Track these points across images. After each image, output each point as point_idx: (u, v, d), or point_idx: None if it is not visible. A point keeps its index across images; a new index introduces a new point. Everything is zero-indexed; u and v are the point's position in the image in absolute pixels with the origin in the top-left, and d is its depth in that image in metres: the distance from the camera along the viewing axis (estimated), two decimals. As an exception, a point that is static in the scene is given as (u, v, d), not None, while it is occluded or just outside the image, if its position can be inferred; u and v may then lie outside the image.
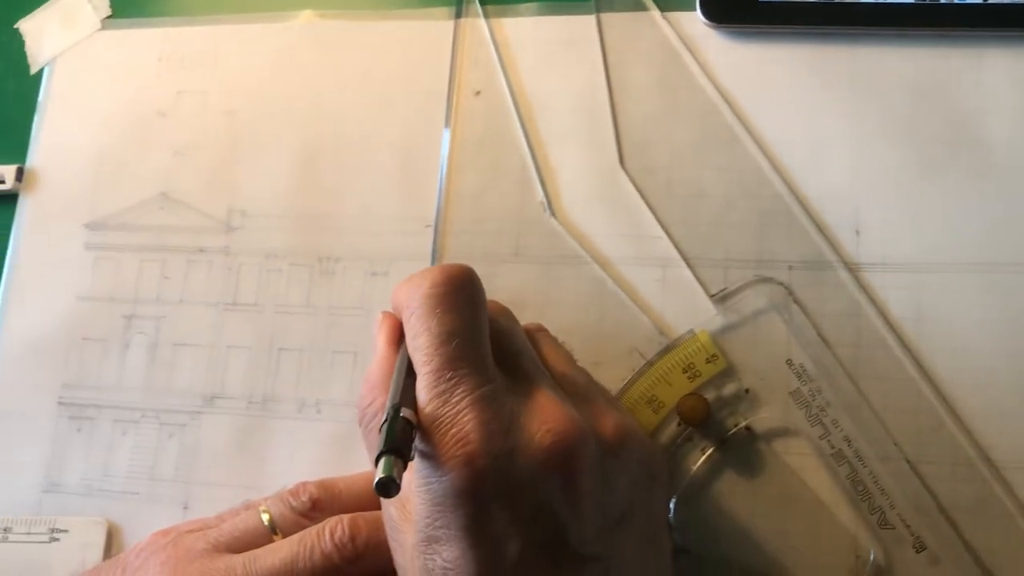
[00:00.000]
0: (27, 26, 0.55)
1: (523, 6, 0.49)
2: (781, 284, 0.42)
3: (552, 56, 0.48)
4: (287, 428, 0.46)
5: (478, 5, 0.49)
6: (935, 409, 0.40)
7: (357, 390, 0.41)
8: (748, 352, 0.42)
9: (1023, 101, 0.42)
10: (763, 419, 0.41)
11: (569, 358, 0.40)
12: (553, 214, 0.45)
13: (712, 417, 0.41)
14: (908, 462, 0.39)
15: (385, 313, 0.38)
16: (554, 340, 0.41)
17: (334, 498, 0.40)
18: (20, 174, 0.52)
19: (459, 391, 0.32)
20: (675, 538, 0.40)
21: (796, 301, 0.42)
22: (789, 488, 0.40)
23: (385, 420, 0.31)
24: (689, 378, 0.42)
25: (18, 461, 0.48)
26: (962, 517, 0.39)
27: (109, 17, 0.54)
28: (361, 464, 0.41)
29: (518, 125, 0.47)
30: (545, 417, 0.32)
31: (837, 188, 0.43)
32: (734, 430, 0.41)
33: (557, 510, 0.32)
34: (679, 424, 0.41)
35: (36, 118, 0.53)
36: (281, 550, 0.37)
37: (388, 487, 0.28)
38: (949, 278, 0.41)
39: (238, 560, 0.37)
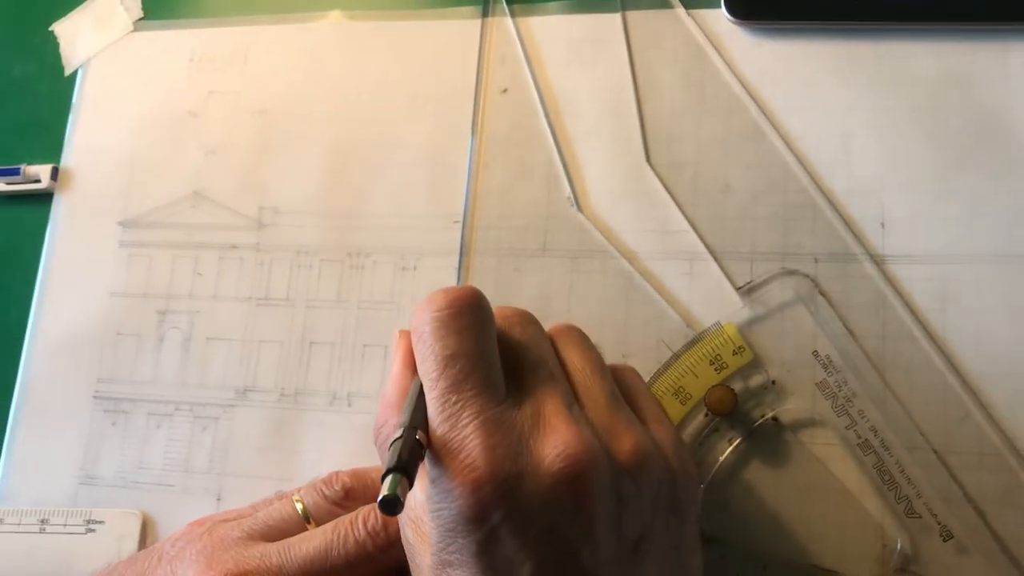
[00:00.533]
0: (61, 28, 0.56)
1: (549, 4, 0.49)
2: (807, 276, 0.43)
3: (578, 54, 0.48)
4: (319, 420, 0.46)
5: (504, 4, 0.50)
6: (961, 399, 0.40)
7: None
8: (775, 344, 0.42)
9: (1047, 94, 0.43)
10: (790, 410, 0.41)
11: (595, 363, 0.37)
12: (580, 209, 0.46)
13: (739, 408, 0.41)
14: (935, 452, 0.40)
15: (402, 332, 0.38)
16: (582, 342, 0.38)
17: (367, 487, 0.40)
18: (55, 174, 0.53)
19: (465, 415, 0.32)
20: (703, 527, 0.40)
21: (822, 293, 0.42)
22: (816, 478, 0.41)
23: (394, 439, 0.31)
24: (716, 370, 0.42)
25: (55, 454, 0.49)
26: (989, 506, 0.39)
27: (141, 19, 0.55)
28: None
29: (545, 122, 0.47)
30: (556, 439, 0.31)
31: (863, 181, 0.43)
32: (761, 421, 0.41)
33: (569, 534, 0.31)
34: (706, 415, 0.42)
35: (70, 119, 0.54)
36: (315, 538, 0.37)
37: (392, 505, 0.28)
38: (975, 269, 0.41)
39: (273, 548, 0.38)
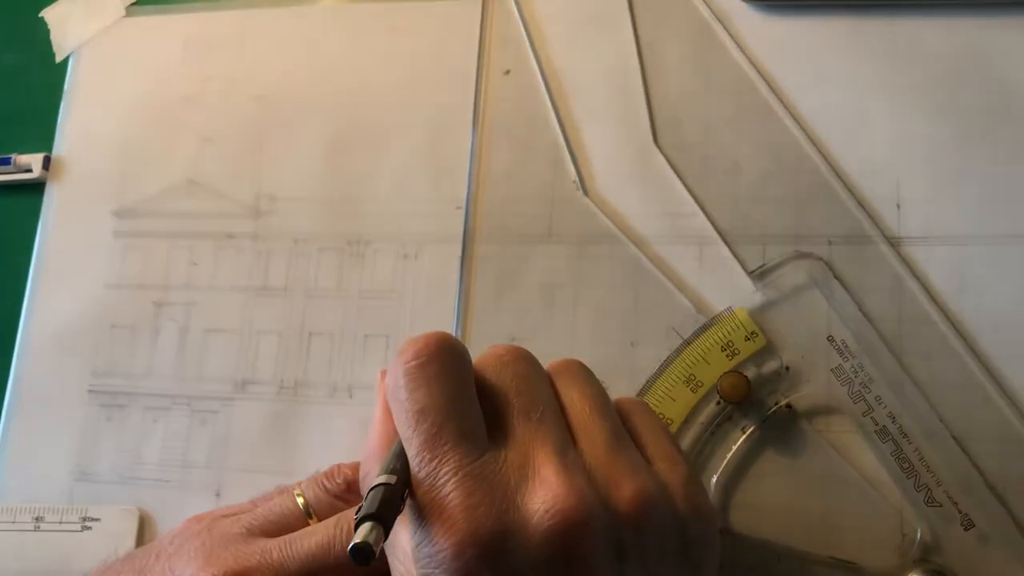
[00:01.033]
0: (52, 15, 0.55)
1: (552, -17, 0.48)
2: (821, 259, 0.42)
3: (582, 33, 0.47)
4: (319, 413, 0.45)
5: (506, -17, 0.49)
6: (981, 384, 0.39)
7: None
8: (788, 329, 0.41)
9: (1066, 70, 0.42)
10: (804, 397, 0.40)
11: (596, 400, 0.34)
12: (586, 193, 0.45)
13: (752, 395, 0.40)
14: (955, 438, 0.39)
15: (383, 373, 0.36)
16: (583, 377, 0.35)
17: (369, 480, 0.39)
18: (47, 163, 0.52)
19: (443, 472, 0.30)
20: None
21: (836, 276, 0.41)
22: (832, 466, 0.40)
23: (372, 486, 0.29)
24: (728, 356, 0.41)
25: (49, 450, 0.48)
26: (1011, 494, 0.38)
27: (134, 4, 0.54)
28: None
29: (549, 104, 0.46)
30: (546, 492, 0.29)
31: (877, 161, 0.42)
32: (775, 408, 0.40)
33: None
34: (719, 403, 0.41)
35: (62, 106, 0.53)
36: (317, 533, 0.37)
37: (364, 554, 0.26)
38: (993, 250, 0.40)
39: (274, 544, 0.37)
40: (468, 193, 0.46)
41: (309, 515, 0.39)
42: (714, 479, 0.40)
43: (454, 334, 0.44)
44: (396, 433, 0.32)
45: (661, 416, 0.41)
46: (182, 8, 0.53)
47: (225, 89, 0.51)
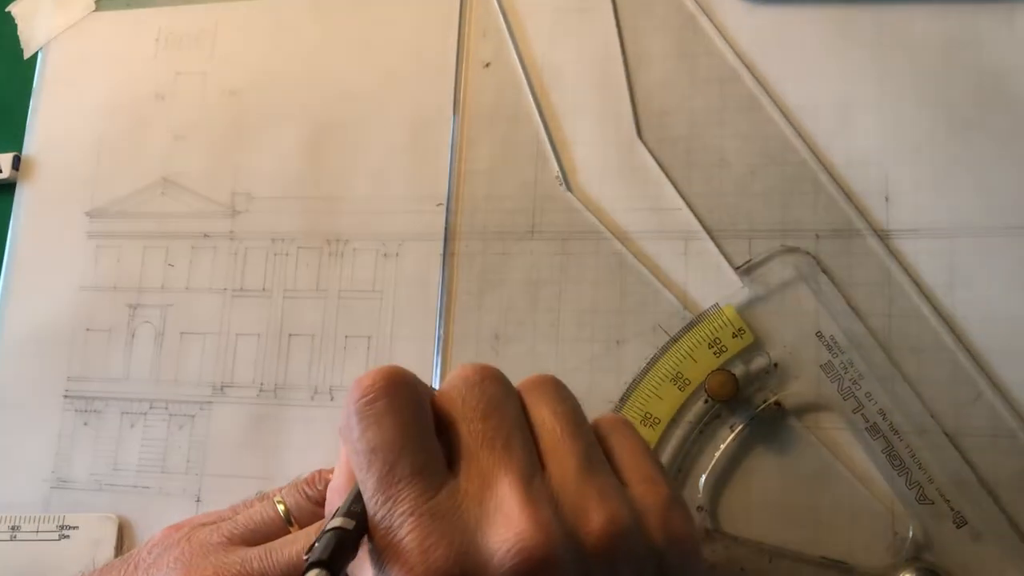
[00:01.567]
0: (19, 10, 0.54)
1: (532, -26, 0.47)
2: (808, 254, 0.41)
3: (564, 24, 0.46)
4: (300, 416, 0.45)
5: (485, -26, 0.48)
6: (973, 379, 0.38)
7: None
8: (776, 325, 0.41)
9: (1056, 57, 0.41)
10: (793, 394, 0.40)
11: (568, 419, 0.32)
12: (569, 188, 0.44)
13: (740, 393, 0.40)
14: (946, 434, 0.38)
15: None
16: (555, 394, 0.33)
17: (351, 486, 0.38)
18: (17, 162, 0.51)
19: (398, 513, 0.28)
20: (705, 519, 0.39)
21: (824, 271, 0.41)
22: (822, 464, 0.39)
23: (325, 530, 0.28)
24: (715, 353, 0.40)
25: (24, 457, 0.47)
26: (1004, 491, 0.37)
27: (104, -2, 0.53)
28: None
29: (530, 97, 0.46)
30: (507, 529, 0.28)
31: (865, 153, 0.41)
32: (763, 406, 0.40)
33: None
34: (706, 401, 0.40)
35: (32, 104, 0.52)
36: (298, 541, 0.36)
37: None
38: (983, 243, 0.40)
39: (254, 553, 0.36)
40: (449, 189, 0.45)
41: (290, 523, 0.38)
42: (703, 478, 0.40)
43: (437, 333, 0.44)
44: None
45: (648, 415, 0.40)
46: (153, 2, 0.52)
47: (198, 85, 0.50)
